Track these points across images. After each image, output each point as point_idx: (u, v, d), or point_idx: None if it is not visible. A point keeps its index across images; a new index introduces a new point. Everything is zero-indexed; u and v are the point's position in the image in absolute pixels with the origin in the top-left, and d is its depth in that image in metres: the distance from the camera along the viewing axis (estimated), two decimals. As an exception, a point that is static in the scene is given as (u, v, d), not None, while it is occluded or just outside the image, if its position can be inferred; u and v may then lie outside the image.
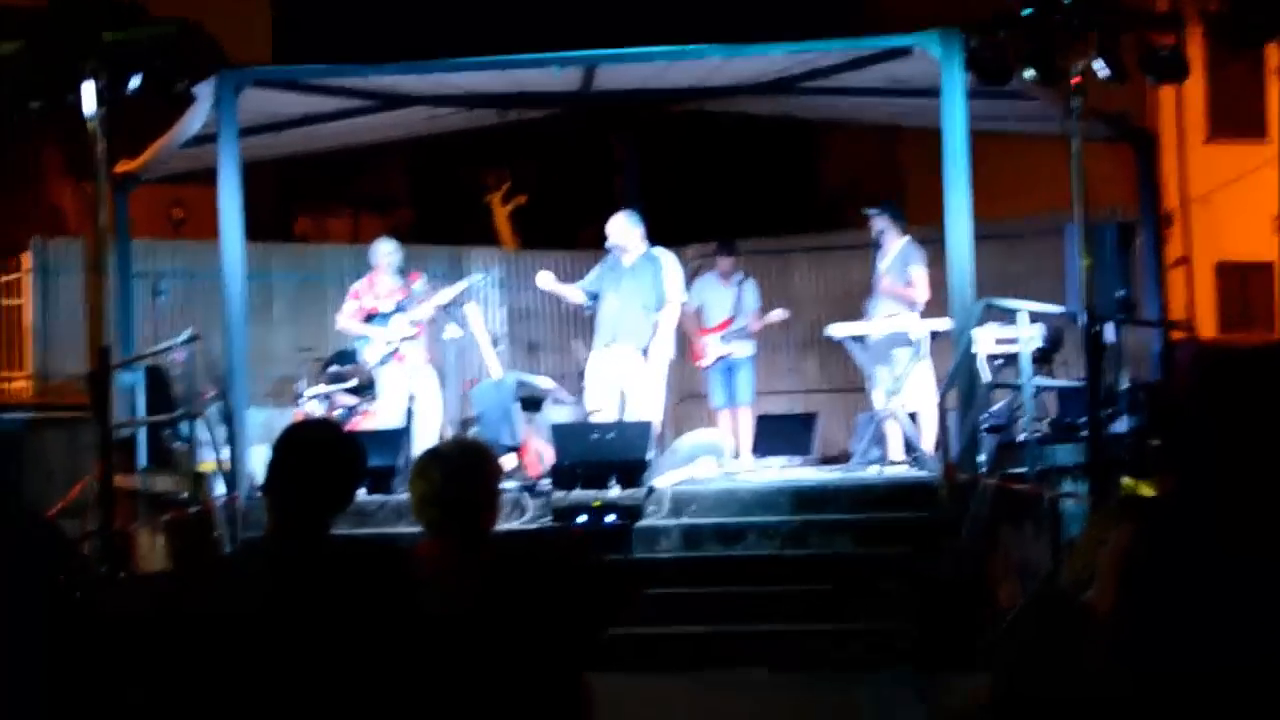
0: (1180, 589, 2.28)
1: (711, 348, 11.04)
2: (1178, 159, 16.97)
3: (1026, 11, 7.58)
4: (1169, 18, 9.36)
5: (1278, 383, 2.35)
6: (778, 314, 11.12)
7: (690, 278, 13.23)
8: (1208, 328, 16.50)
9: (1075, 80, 7.64)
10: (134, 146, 10.80)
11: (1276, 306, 17.88)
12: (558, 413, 10.23)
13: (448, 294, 10.35)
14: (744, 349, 11.09)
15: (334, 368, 11.23)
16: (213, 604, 3.05)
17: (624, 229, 9.73)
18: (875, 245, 10.31)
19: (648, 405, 9.57)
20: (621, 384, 9.61)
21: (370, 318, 10.34)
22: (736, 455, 10.69)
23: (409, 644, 3.07)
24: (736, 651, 7.63)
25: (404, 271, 10.42)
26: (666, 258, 9.83)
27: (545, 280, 9.91)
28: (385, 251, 10.43)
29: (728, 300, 11.07)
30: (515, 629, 3.33)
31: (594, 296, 9.82)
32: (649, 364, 9.61)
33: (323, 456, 3.18)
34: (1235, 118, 17.98)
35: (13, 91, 7.34)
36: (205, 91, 9.06)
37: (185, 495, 8.98)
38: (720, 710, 7.23)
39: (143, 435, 9.55)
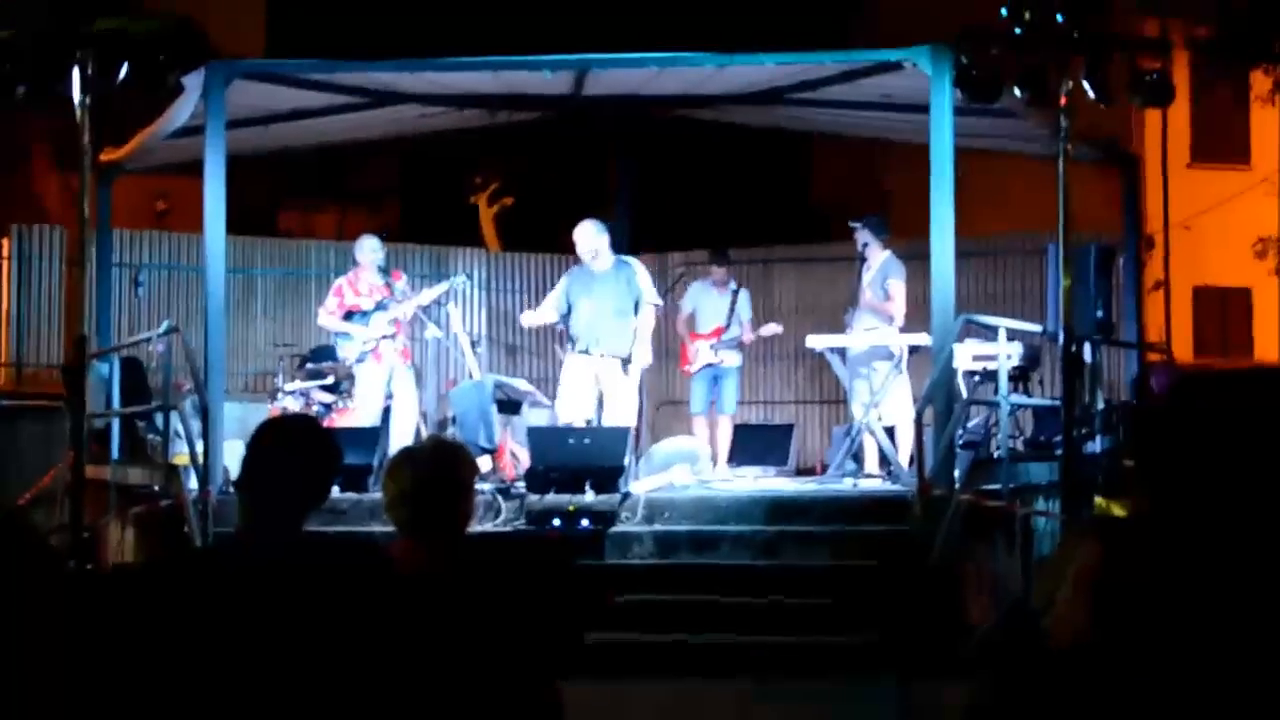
0: (1152, 613, 2.29)
1: (701, 354, 11.04)
2: (1161, 183, 17.05)
3: (1017, 31, 7.61)
4: (1157, 42, 9.42)
5: (1251, 406, 2.36)
6: (771, 328, 11.14)
7: (674, 284, 13.30)
8: (1184, 351, 16.58)
9: (1063, 101, 7.67)
10: (120, 136, 10.77)
11: (1254, 331, 17.98)
12: (535, 416, 10.23)
13: (429, 295, 10.37)
14: (732, 359, 11.09)
15: (310, 365, 11.21)
16: (185, 599, 3.04)
17: (593, 236, 9.75)
18: (860, 258, 10.32)
19: (626, 411, 9.59)
20: (600, 389, 9.63)
21: (350, 315, 10.34)
22: (714, 463, 10.71)
23: (380, 643, 3.06)
24: (710, 660, 7.63)
25: (386, 270, 10.43)
26: (635, 263, 9.88)
27: (529, 320, 9.97)
28: (369, 249, 10.44)
29: (722, 308, 11.06)
30: (486, 633, 3.33)
31: (567, 307, 9.82)
32: (629, 369, 9.63)
33: (299, 451, 3.17)
34: (1219, 143, 18.10)
35: (0, 77, 7.31)
36: (194, 83, 9.04)
37: (158, 488, 8.94)
38: None
39: (117, 426, 9.50)
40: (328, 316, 10.47)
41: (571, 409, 9.67)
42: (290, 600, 3.00)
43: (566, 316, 9.85)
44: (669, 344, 13.99)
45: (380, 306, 10.30)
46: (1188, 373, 10.93)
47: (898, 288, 10.07)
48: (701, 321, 11.14)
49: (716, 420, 11.12)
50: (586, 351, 9.65)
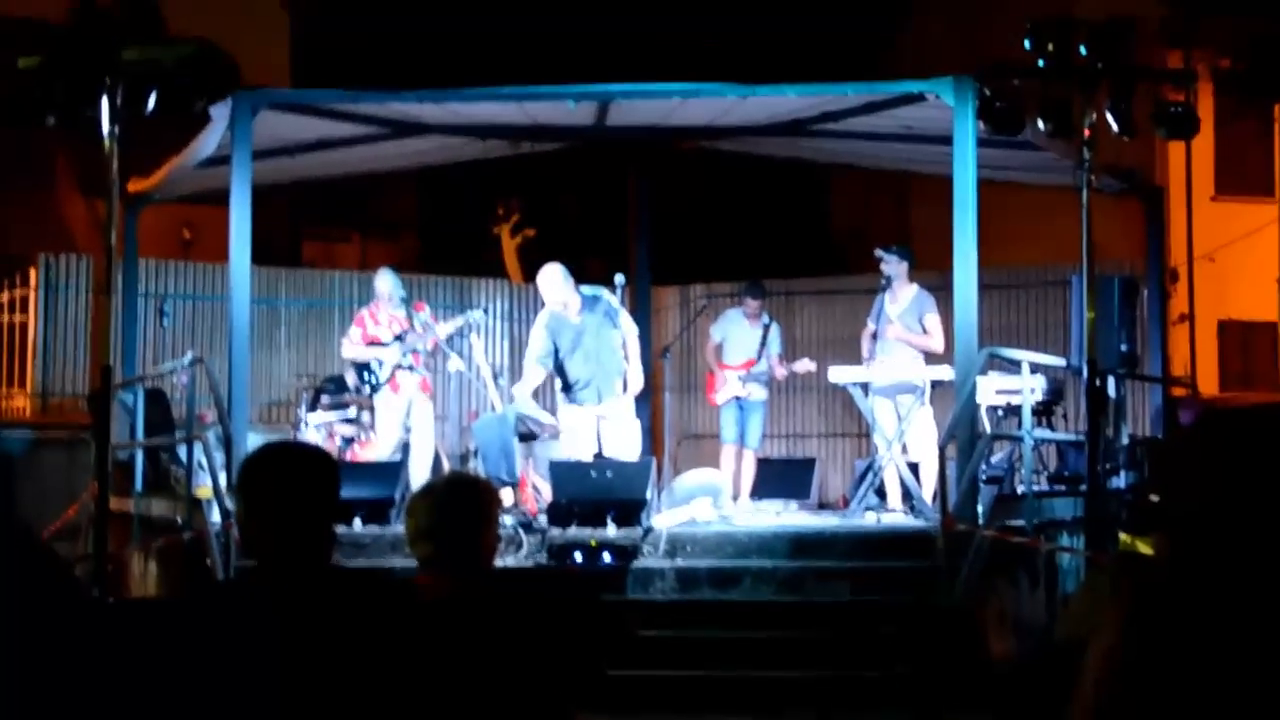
0: (1189, 656, 2.26)
1: (729, 385, 11.00)
2: (1185, 215, 16.99)
3: (1040, 63, 7.61)
4: (1181, 74, 9.41)
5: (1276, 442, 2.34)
6: (804, 364, 11.01)
7: (697, 316, 13.30)
8: (1209, 385, 16.49)
9: (1086, 133, 7.66)
10: (147, 165, 10.84)
11: (1279, 366, 17.87)
12: (556, 449, 10.22)
13: (446, 328, 10.40)
14: (759, 392, 11.04)
15: (326, 396, 11.28)
16: (211, 630, 3.04)
17: (560, 286, 9.68)
18: (883, 288, 10.23)
19: (633, 445, 9.70)
20: (608, 431, 9.64)
21: (371, 345, 10.42)
22: (736, 497, 10.69)
23: (403, 675, 3.05)
24: (731, 696, 7.58)
25: (409, 301, 10.48)
26: (604, 294, 9.84)
27: (521, 393, 9.91)
28: (387, 282, 10.48)
29: (753, 341, 10.99)
30: (508, 667, 3.31)
31: (555, 359, 9.79)
32: (628, 401, 9.68)
33: (294, 478, 3.13)
34: (1243, 175, 18.03)
35: (30, 106, 7.36)
36: (221, 113, 9.10)
37: (180, 521, 8.94)
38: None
39: (140, 458, 9.53)
40: (351, 346, 10.54)
41: (578, 454, 9.70)
42: (317, 629, 3.00)
43: (556, 364, 9.81)
44: (691, 378, 13.99)
45: (399, 338, 10.35)
46: (1212, 408, 10.88)
47: (936, 322, 9.97)
48: (730, 352, 11.07)
49: (741, 453, 11.08)
50: (597, 404, 9.65)
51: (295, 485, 3.11)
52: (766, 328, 11.03)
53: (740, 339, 11.05)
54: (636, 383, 9.67)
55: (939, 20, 21.11)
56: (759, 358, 10.93)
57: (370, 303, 10.61)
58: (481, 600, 3.37)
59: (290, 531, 3.09)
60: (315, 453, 3.32)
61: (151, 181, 11.05)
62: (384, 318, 10.42)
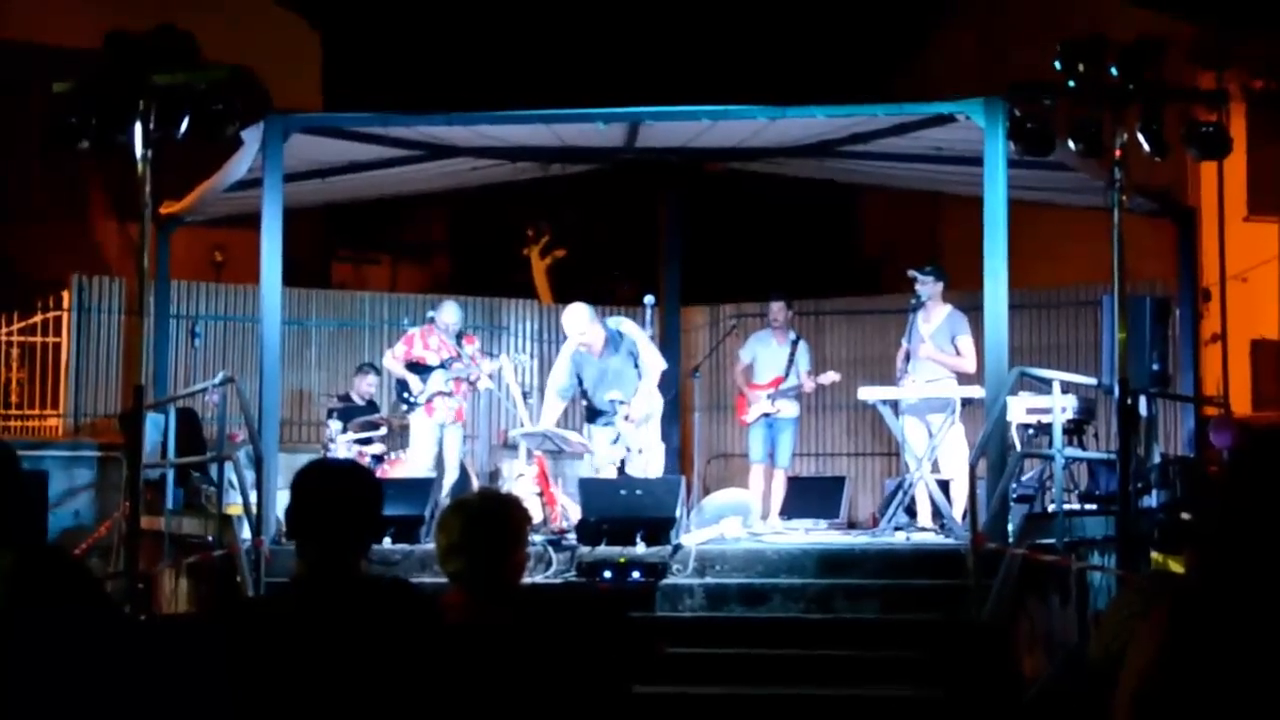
0: (1220, 675, 2.26)
1: (758, 404, 10.99)
2: (1217, 235, 16.90)
3: (1071, 83, 7.60)
4: (1212, 94, 9.37)
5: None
6: (829, 376, 10.99)
7: (726, 335, 13.30)
8: (1242, 405, 16.36)
9: (1117, 153, 7.64)
10: (179, 188, 10.93)
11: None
12: (583, 468, 10.25)
13: (490, 366, 10.52)
14: (790, 409, 11.02)
15: (335, 418, 11.39)
16: (248, 642, 3.07)
17: (585, 324, 9.71)
18: (914, 308, 10.20)
19: (657, 463, 9.75)
20: (633, 454, 9.69)
21: (413, 365, 10.53)
22: (765, 516, 10.67)
23: (432, 692, 3.07)
24: (760, 714, 7.57)
25: (461, 334, 10.61)
26: (629, 328, 9.85)
27: (544, 425, 9.91)
28: (448, 315, 10.60)
29: (781, 359, 10.99)
30: (538, 683, 3.32)
31: (579, 388, 9.84)
32: (654, 426, 9.73)
33: (340, 491, 3.20)
34: (1275, 196, 17.91)
35: (64, 130, 7.45)
36: (253, 136, 9.18)
37: (211, 539, 9.00)
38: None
39: (171, 477, 9.59)
40: (392, 360, 10.70)
41: (604, 471, 9.74)
42: (352, 638, 3.02)
43: (581, 393, 9.84)
44: (720, 398, 13.98)
45: (443, 365, 10.46)
46: (1250, 430, 10.80)
47: (968, 343, 9.94)
48: (760, 372, 11.07)
49: (771, 472, 11.06)
50: (613, 428, 9.70)
51: (336, 499, 3.16)
52: (794, 344, 11.03)
53: (769, 358, 11.05)
54: (637, 410, 9.65)
55: (967, 39, 21.09)
56: (787, 374, 10.92)
57: (425, 324, 10.71)
58: (511, 618, 3.38)
59: (327, 542, 3.14)
60: (358, 470, 3.37)
61: (183, 204, 11.14)
62: (434, 343, 10.55)
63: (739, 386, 11.33)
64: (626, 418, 9.60)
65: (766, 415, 10.97)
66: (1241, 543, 2.36)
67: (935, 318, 10.15)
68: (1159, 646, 2.37)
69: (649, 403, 9.77)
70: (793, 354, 10.97)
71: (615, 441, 9.75)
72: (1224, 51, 16.50)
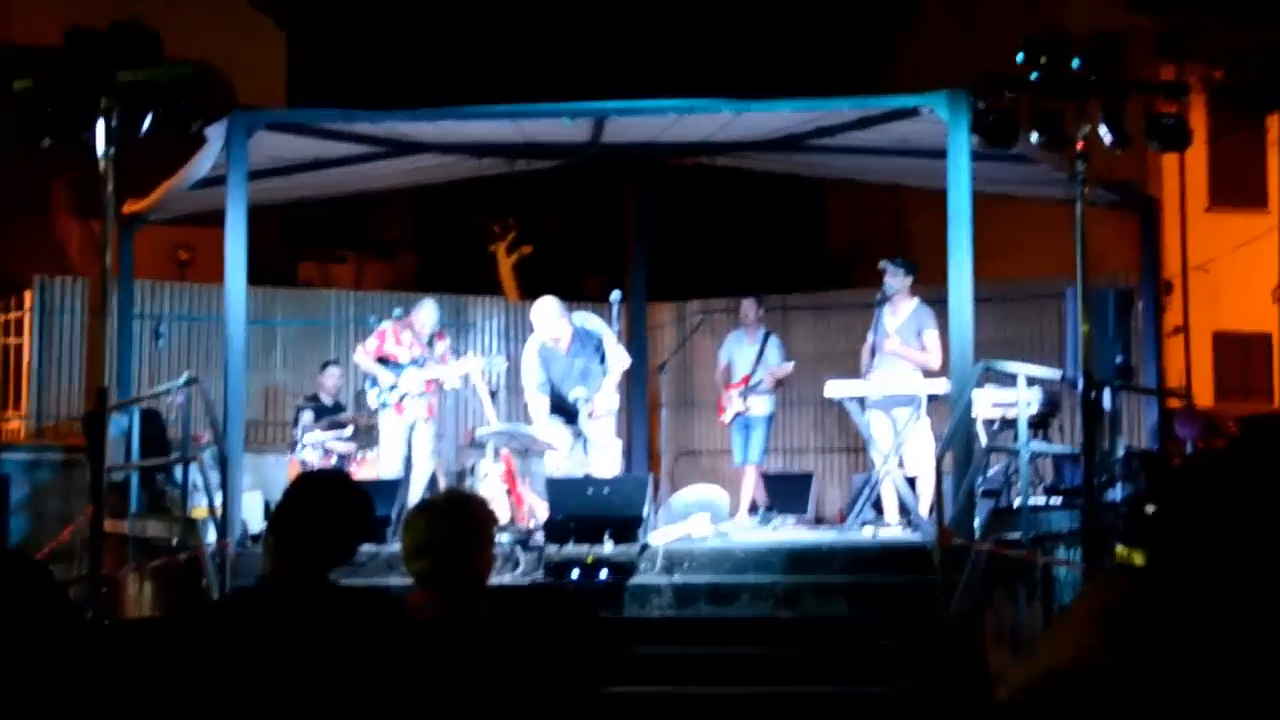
0: (1182, 662, 2.27)
1: (732, 404, 11.04)
2: (1179, 227, 17.03)
3: (1033, 76, 7.63)
4: (1173, 86, 9.41)
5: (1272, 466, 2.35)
6: (785, 368, 11.10)
7: (692, 331, 13.31)
8: (1204, 397, 16.50)
9: (1079, 145, 7.68)
10: (142, 186, 10.85)
11: (1275, 377, 17.89)
12: (545, 465, 10.23)
13: (461, 367, 10.49)
14: (762, 406, 11.06)
15: (308, 414, 11.35)
16: (210, 647, 3.05)
17: (555, 318, 9.70)
18: (880, 301, 10.23)
19: (613, 461, 9.78)
20: (590, 450, 9.68)
21: (384, 361, 10.49)
22: (754, 511, 10.78)
23: (398, 694, 3.06)
24: (730, 713, 7.57)
25: (432, 332, 10.61)
26: (596, 325, 9.84)
27: (540, 422, 9.90)
28: (431, 316, 10.60)
29: (751, 356, 11.07)
30: (506, 684, 3.31)
31: (546, 381, 9.83)
32: (608, 422, 9.74)
33: (328, 505, 3.20)
34: (1236, 187, 18.08)
35: (25, 128, 7.37)
36: (217, 133, 9.11)
37: (176, 541, 8.93)
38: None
39: (135, 479, 9.52)
40: (363, 355, 10.67)
41: (562, 469, 9.72)
42: (315, 646, 3.01)
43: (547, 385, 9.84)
44: (687, 394, 14.00)
45: (415, 362, 10.43)
46: (1213, 418, 10.87)
47: (934, 338, 9.97)
48: (736, 371, 11.16)
49: (745, 469, 11.12)
50: (576, 426, 9.68)
51: (315, 513, 3.17)
52: (764, 341, 11.08)
53: (741, 357, 11.14)
54: (600, 406, 9.64)
55: (933, 36, 21.18)
56: (754, 371, 10.97)
57: (398, 320, 10.66)
58: (477, 619, 3.37)
59: (295, 554, 3.13)
60: (351, 487, 3.36)
61: (147, 203, 11.06)
62: (406, 339, 10.51)
63: (717, 387, 11.39)
64: (590, 414, 9.59)
65: (740, 414, 11.01)
66: (1184, 559, 2.37)
67: (902, 311, 10.17)
68: (1102, 642, 2.38)
69: (612, 398, 9.77)
70: (761, 350, 11.02)
71: (576, 438, 9.72)
72: (1184, 44, 16.63)
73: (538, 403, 9.86)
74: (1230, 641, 2.27)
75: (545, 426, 9.81)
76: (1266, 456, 2.38)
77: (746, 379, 10.99)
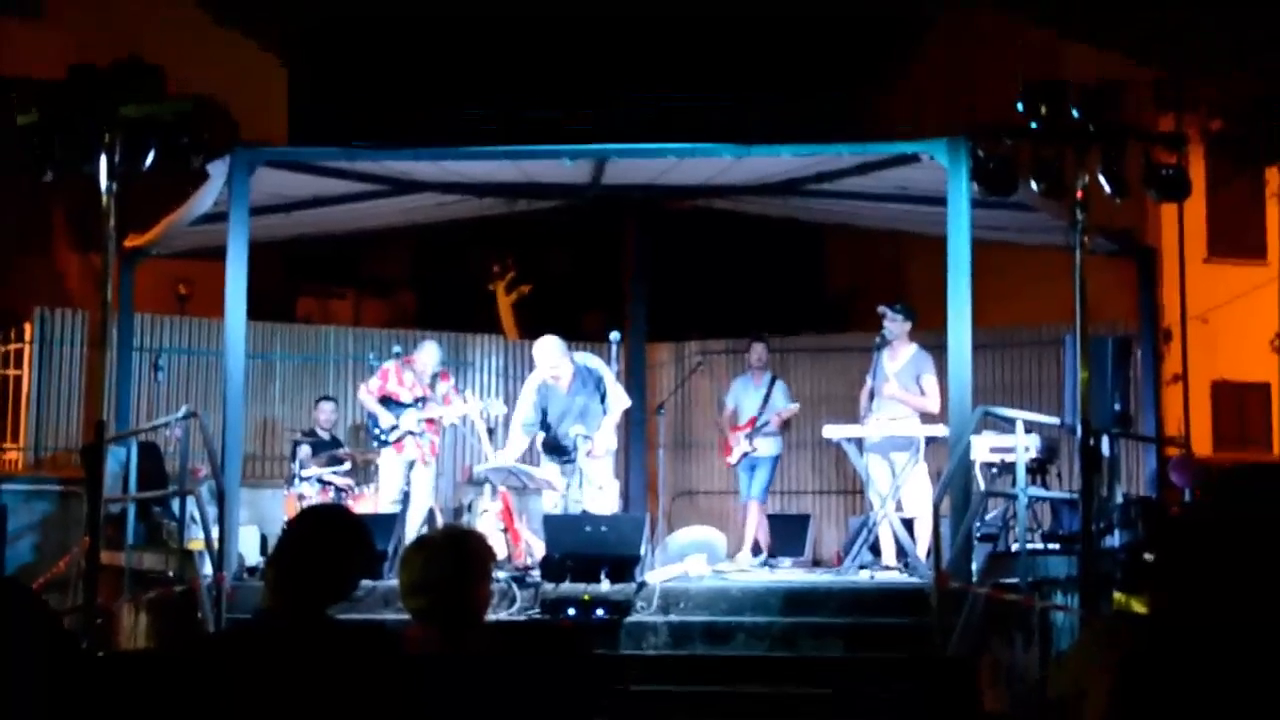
0: (1184, 709, 2.27)
1: (738, 446, 11.08)
2: (1178, 276, 17.09)
3: (1033, 124, 7.68)
4: (1173, 136, 9.47)
5: (1270, 499, 2.36)
6: (790, 408, 11.15)
7: (691, 373, 13.33)
8: (1203, 445, 16.50)
9: (1079, 194, 7.72)
10: (144, 220, 10.88)
11: (1274, 426, 17.90)
12: (543, 503, 10.22)
13: (462, 409, 10.53)
14: (768, 447, 11.11)
15: (305, 448, 11.36)
16: (207, 682, 3.04)
17: (557, 357, 9.72)
18: (879, 346, 10.25)
19: (610, 500, 9.75)
20: (587, 489, 9.67)
21: (386, 401, 10.54)
22: (757, 552, 10.80)
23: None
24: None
25: (435, 372, 10.66)
26: (596, 364, 9.86)
27: (504, 460, 9.87)
28: (429, 355, 10.69)
29: (757, 400, 11.13)
30: (502, 718, 3.31)
31: (543, 424, 9.82)
32: (606, 462, 9.75)
33: (330, 540, 3.20)
34: (1235, 238, 18.14)
35: (28, 161, 7.40)
36: (219, 169, 9.15)
37: (172, 574, 8.91)
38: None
39: (132, 511, 9.51)
40: (366, 394, 10.73)
41: (561, 506, 9.71)
42: (313, 681, 3.00)
43: (544, 426, 9.83)
44: (685, 435, 13.99)
45: (416, 403, 10.47)
46: (1208, 467, 10.87)
47: (933, 384, 9.99)
48: (742, 414, 11.20)
49: (747, 505, 11.17)
50: (571, 464, 9.67)
51: (316, 547, 3.17)
52: (771, 384, 11.13)
53: (748, 400, 11.18)
54: (599, 446, 9.64)
55: (933, 82, 21.29)
56: (761, 413, 11.01)
57: (400, 359, 10.73)
58: (474, 655, 3.37)
59: (294, 588, 3.13)
60: (349, 523, 3.36)
61: (148, 237, 11.09)
62: (408, 379, 10.56)
63: (722, 430, 11.40)
64: (589, 453, 9.59)
65: (746, 455, 11.06)
66: (1195, 585, 2.38)
67: (901, 356, 10.20)
68: (1118, 685, 2.39)
69: (611, 438, 9.78)
70: (768, 394, 11.08)
71: (570, 477, 9.71)
72: (1184, 95, 16.73)
73: (516, 440, 9.86)
74: (1232, 687, 2.27)
75: (510, 460, 9.80)
76: (1247, 504, 2.39)
77: (753, 421, 11.04)
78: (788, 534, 11.50)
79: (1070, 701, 2.65)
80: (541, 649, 3.58)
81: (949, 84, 20.35)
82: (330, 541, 3.21)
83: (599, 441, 9.62)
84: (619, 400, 9.81)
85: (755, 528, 11.12)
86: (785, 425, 11.14)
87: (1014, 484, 8.79)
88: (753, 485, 11.13)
